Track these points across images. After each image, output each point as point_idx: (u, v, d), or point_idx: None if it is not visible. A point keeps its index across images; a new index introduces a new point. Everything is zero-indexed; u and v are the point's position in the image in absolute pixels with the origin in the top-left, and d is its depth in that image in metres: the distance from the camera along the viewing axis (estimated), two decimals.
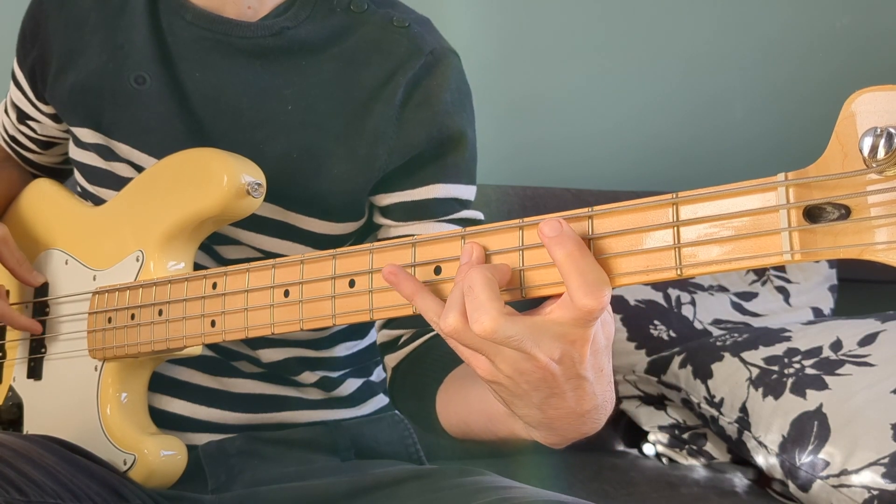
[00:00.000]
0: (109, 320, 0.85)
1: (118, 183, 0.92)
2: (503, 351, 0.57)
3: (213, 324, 0.77)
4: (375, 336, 1.02)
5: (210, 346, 0.92)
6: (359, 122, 0.89)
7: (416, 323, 0.89)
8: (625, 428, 1.65)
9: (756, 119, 2.09)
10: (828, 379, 1.38)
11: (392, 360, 0.92)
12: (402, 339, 0.91)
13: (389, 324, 0.92)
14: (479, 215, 0.93)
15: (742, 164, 2.02)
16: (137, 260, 0.86)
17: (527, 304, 0.59)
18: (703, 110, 2.05)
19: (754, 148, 2.06)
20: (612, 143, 1.97)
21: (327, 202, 0.90)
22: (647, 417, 1.60)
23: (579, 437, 0.65)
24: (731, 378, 1.46)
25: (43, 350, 0.94)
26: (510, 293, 0.59)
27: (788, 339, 1.48)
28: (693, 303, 1.67)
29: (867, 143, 0.45)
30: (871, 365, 1.38)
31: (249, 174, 0.82)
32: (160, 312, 0.81)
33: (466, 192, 0.92)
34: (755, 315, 1.69)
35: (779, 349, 1.46)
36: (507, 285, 0.59)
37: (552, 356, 0.56)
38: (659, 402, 1.60)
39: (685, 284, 1.68)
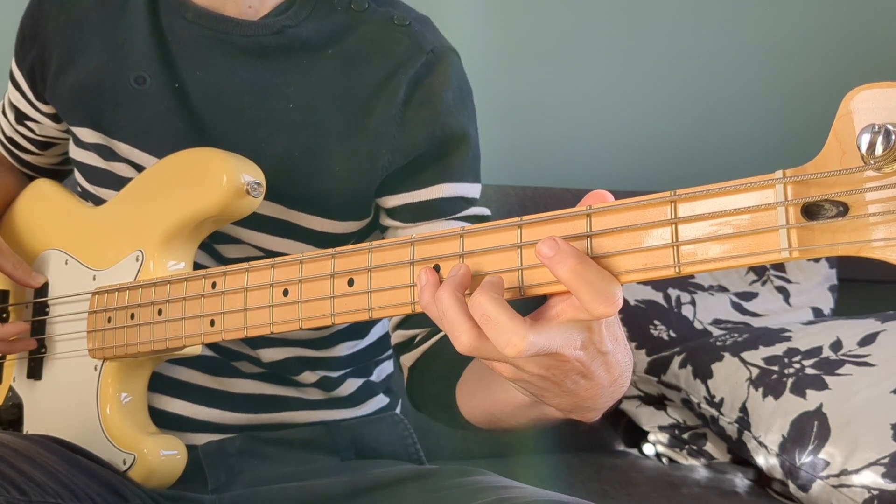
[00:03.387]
0: (109, 320, 0.85)
1: (118, 183, 0.92)
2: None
3: (212, 323, 0.77)
4: (376, 336, 1.02)
5: (210, 346, 0.92)
6: (360, 121, 0.89)
7: (431, 321, 0.89)
8: (625, 428, 1.65)
9: (757, 119, 2.09)
10: (828, 379, 1.38)
11: (408, 359, 0.92)
12: (418, 339, 0.91)
13: (404, 324, 0.92)
14: (486, 211, 0.93)
15: (743, 164, 2.02)
16: (137, 260, 0.86)
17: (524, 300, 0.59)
18: (704, 110, 2.05)
19: (755, 148, 2.06)
20: (613, 143, 1.97)
21: (329, 201, 0.90)
22: (647, 417, 1.60)
23: (612, 403, 0.65)
24: (731, 378, 1.46)
25: (43, 350, 0.94)
26: (509, 292, 0.59)
27: (788, 339, 1.48)
28: (693, 303, 1.67)
29: (865, 139, 0.45)
30: (871, 365, 1.38)
31: (249, 174, 0.82)
32: (160, 312, 0.81)
33: (472, 190, 0.92)
34: (755, 315, 1.69)
35: (779, 349, 1.46)
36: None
37: (575, 347, 0.57)
38: (659, 402, 1.60)
39: (685, 284, 1.68)
